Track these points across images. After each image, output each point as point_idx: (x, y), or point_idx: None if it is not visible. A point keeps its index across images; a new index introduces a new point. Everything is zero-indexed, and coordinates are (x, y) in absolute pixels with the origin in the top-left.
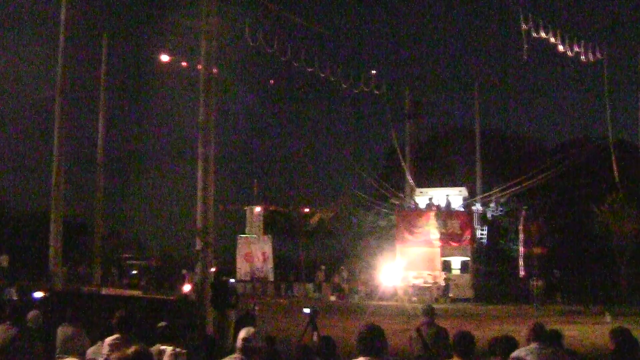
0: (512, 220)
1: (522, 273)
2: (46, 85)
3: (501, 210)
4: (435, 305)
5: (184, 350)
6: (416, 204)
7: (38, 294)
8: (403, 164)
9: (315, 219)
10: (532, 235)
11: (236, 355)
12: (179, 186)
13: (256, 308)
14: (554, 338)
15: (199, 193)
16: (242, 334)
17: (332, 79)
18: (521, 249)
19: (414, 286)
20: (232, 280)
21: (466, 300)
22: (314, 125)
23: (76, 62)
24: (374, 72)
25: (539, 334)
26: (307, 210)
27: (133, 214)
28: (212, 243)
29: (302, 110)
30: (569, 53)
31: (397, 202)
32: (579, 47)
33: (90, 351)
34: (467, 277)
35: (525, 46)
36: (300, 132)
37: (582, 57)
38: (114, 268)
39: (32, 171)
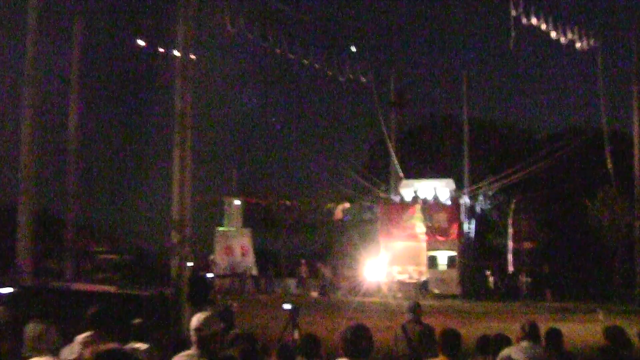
0: (501, 214)
1: (510, 268)
2: (14, 73)
3: (490, 204)
4: (420, 302)
5: (157, 349)
6: (401, 197)
7: (5, 289)
8: (392, 152)
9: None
10: (521, 229)
11: (190, 351)
12: (155, 177)
13: (234, 304)
14: (553, 337)
15: (175, 184)
16: (193, 323)
17: (316, 66)
18: (510, 243)
19: (398, 282)
20: (210, 275)
21: (453, 296)
22: (296, 114)
23: (47, 48)
24: (353, 48)
25: (529, 332)
26: (287, 202)
27: (106, 206)
28: (189, 236)
29: (284, 99)
30: (562, 40)
31: (381, 195)
32: (572, 34)
33: (65, 350)
34: (454, 272)
35: (513, 33)
36: (282, 121)
37: (577, 45)
38: (86, 262)
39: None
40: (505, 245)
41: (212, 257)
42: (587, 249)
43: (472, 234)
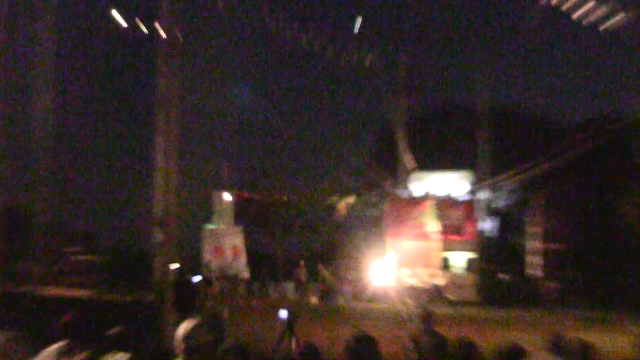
0: (523, 211)
1: (528, 271)
2: None
3: (511, 200)
4: (432, 308)
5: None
6: (411, 191)
7: None
8: (400, 141)
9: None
10: (547, 228)
11: None
12: (136, 169)
13: (225, 311)
14: (580, 350)
15: (159, 177)
16: (180, 332)
17: (316, 47)
18: (536, 244)
19: (408, 286)
20: (198, 277)
21: (470, 303)
22: (295, 100)
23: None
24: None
25: (554, 344)
26: (284, 197)
27: (82, 202)
28: (174, 235)
29: (281, 84)
30: (588, 19)
31: (388, 189)
32: (599, 12)
33: None
34: (471, 276)
35: (533, 12)
36: (281, 108)
37: (602, 26)
38: (58, 264)
39: None
40: (527, 247)
41: (208, 258)
42: (622, 251)
43: (491, 233)
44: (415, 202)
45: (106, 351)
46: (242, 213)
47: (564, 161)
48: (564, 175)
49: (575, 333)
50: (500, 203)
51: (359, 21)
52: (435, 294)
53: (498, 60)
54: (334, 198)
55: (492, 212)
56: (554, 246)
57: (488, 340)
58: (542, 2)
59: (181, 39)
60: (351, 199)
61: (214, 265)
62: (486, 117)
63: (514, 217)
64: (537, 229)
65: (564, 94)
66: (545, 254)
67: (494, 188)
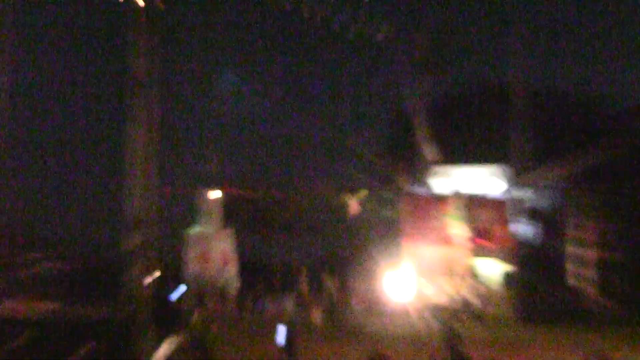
0: (568, 213)
1: (573, 283)
2: None
3: (553, 199)
4: (457, 327)
5: None
6: (431, 188)
7: None
8: (419, 129)
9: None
10: (598, 234)
11: None
12: (108, 162)
13: (213, 328)
14: None
15: (136, 172)
16: (161, 352)
17: (320, 17)
18: (584, 252)
19: (428, 300)
20: (182, 288)
21: (502, 319)
22: (294, 80)
23: None
24: None
25: None
26: (283, 195)
27: (43, 200)
28: (154, 240)
29: (278, 59)
30: None
31: (405, 186)
32: None
33: None
34: (504, 288)
35: None
36: (278, 90)
37: None
38: (16, 273)
39: None
40: (572, 255)
41: (193, 267)
42: None
43: (530, 238)
44: (437, 200)
45: None
46: (232, 213)
47: (622, 152)
48: (622, 169)
49: (623, 354)
50: (540, 203)
51: None
52: (461, 309)
53: (539, 29)
54: (342, 195)
55: (530, 213)
56: (605, 255)
57: None
58: None
59: (162, 8)
60: (363, 194)
61: (206, 275)
62: (524, 99)
63: (556, 220)
64: (586, 235)
65: (624, 70)
66: (595, 264)
67: (532, 185)
